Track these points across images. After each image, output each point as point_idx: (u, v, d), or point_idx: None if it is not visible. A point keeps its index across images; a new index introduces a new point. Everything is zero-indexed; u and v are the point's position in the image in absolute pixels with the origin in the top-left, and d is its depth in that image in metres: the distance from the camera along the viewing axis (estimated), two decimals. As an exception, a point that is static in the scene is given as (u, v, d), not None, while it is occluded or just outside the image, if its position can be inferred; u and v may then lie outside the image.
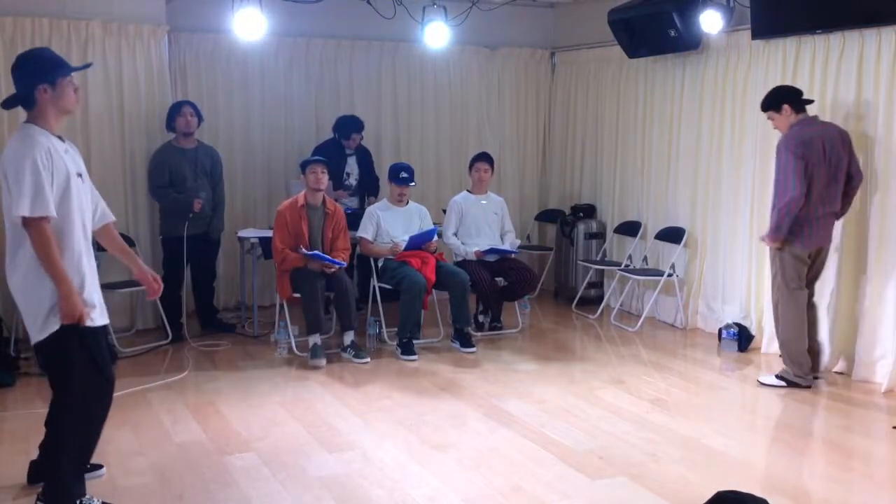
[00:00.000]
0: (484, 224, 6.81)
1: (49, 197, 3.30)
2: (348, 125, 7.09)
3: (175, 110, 6.39)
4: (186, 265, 6.44)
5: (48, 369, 3.59)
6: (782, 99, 5.35)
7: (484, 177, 6.82)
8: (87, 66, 3.93)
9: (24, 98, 3.44)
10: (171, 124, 6.41)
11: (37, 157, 3.30)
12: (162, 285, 3.94)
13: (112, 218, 3.87)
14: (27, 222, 3.30)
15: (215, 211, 6.58)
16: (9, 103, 3.56)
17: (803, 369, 5.38)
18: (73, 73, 3.50)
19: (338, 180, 6.98)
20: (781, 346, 5.51)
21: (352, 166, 7.19)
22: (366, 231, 6.40)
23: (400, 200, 6.49)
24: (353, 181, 7.21)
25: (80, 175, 3.51)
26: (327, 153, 6.66)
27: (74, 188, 3.43)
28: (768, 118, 5.44)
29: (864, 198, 5.50)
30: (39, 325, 3.40)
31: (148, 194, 6.61)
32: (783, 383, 5.41)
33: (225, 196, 6.75)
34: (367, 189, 7.30)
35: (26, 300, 3.42)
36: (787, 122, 5.32)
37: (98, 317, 3.54)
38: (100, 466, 3.97)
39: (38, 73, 3.40)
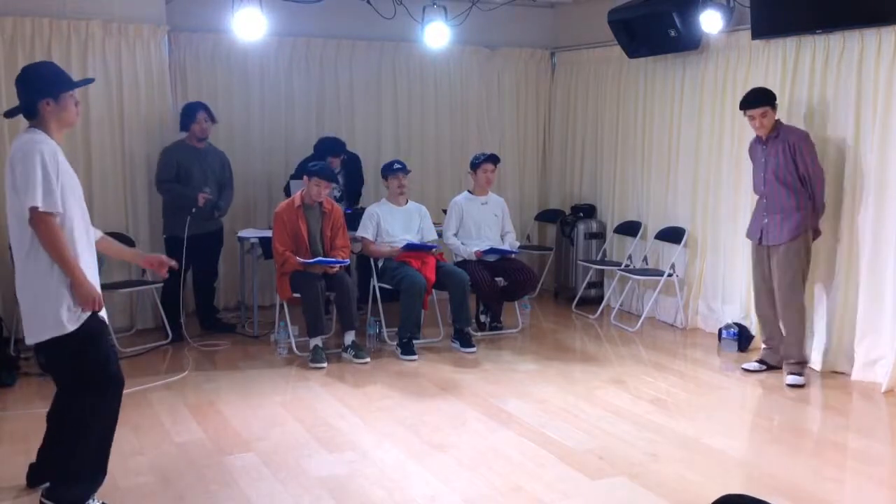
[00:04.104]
0: (484, 225, 6.80)
1: (57, 194, 3.34)
2: (323, 149, 6.92)
3: (191, 116, 6.37)
4: (187, 265, 6.44)
5: (56, 370, 3.58)
6: (775, 97, 5.58)
7: (491, 178, 6.81)
8: (90, 81, 3.96)
9: (26, 110, 3.49)
10: (185, 124, 6.40)
11: (45, 153, 3.34)
12: (169, 263, 3.94)
13: (99, 234, 3.82)
14: (36, 216, 3.31)
15: (219, 208, 6.56)
16: (11, 113, 3.60)
17: None
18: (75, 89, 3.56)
19: None
20: (800, 337, 5.56)
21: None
22: (367, 231, 6.40)
23: (401, 193, 6.48)
24: (336, 193, 7.16)
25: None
26: None
27: (78, 193, 3.49)
28: (761, 115, 5.49)
29: (861, 197, 5.51)
30: (51, 324, 3.39)
31: (148, 192, 6.64)
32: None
33: (231, 199, 6.73)
34: (349, 198, 7.22)
35: (39, 299, 3.40)
36: (774, 120, 5.53)
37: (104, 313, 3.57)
38: None
39: (42, 87, 3.45)
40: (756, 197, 5.78)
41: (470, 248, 6.65)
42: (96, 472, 3.62)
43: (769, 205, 5.55)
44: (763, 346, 5.88)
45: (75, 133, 6.28)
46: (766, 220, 5.56)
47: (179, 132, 6.48)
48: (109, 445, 3.66)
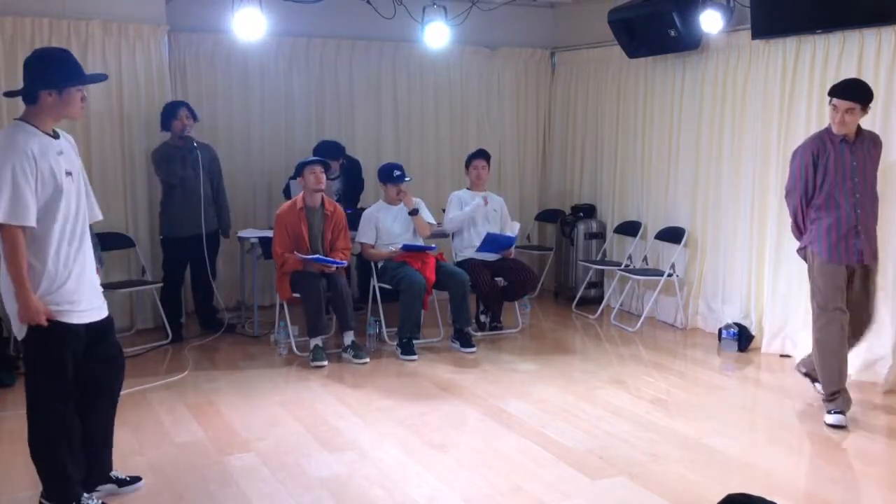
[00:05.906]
0: (483, 220, 6.78)
1: (30, 205, 3.27)
2: (322, 152, 6.80)
3: (171, 113, 6.35)
4: (186, 265, 6.45)
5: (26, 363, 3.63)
6: (871, 99, 4.70)
7: (482, 174, 6.82)
8: (102, 77, 3.84)
9: (26, 95, 3.40)
10: (166, 124, 6.39)
11: (16, 163, 3.24)
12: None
13: (97, 217, 3.74)
14: (0, 227, 3.27)
15: (220, 209, 6.57)
16: (11, 94, 3.54)
17: None
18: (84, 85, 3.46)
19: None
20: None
21: (335, 185, 7.13)
22: (367, 236, 6.38)
23: (400, 200, 6.48)
24: (333, 195, 7.14)
25: (69, 173, 3.42)
26: None
27: (65, 190, 3.38)
28: (846, 110, 4.65)
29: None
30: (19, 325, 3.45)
31: (147, 193, 6.66)
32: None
33: (226, 192, 6.73)
34: (348, 201, 7.20)
35: (11, 300, 3.44)
36: (858, 122, 4.75)
37: (79, 316, 3.50)
38: (138, 479, 3.91)
39: (49, 77, 3.35)
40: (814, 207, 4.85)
41: (472, 240, 6.65)
42: (74, 467, 3.58)
43: (863, 217, 4.73)
44: (838, 392, 4.81)
45: (75, 133, 6.23)
46: (862, 237, 4.73)
47: (161, 132, 6.44)
48: (77, 443, 3.61)
